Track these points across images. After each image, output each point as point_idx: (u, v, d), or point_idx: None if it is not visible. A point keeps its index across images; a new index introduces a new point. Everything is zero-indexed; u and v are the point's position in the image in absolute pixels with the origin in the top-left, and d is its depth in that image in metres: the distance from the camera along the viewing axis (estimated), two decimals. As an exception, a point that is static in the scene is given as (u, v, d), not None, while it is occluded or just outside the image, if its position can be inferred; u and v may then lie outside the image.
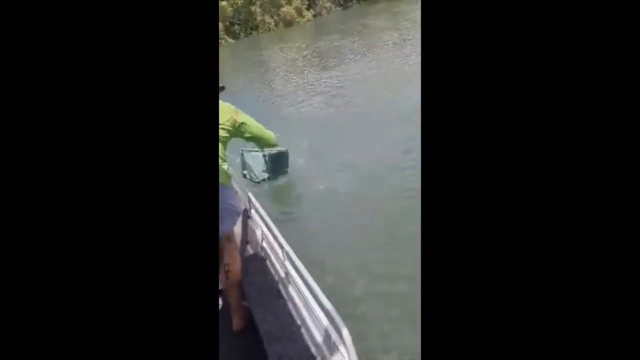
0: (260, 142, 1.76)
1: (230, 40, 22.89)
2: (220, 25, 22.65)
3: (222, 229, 1.46)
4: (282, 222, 2.91)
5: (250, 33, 23.83)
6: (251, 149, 2.81)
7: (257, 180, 3.16)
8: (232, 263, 1.49)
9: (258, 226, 1.81)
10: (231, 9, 22.96)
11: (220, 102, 1.49)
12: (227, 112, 1.55)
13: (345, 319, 1.02)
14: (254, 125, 1.68)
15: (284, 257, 1.44)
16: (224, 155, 1.54)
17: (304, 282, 1.25)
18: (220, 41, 22.38)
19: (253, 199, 1.81)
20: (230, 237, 1.54)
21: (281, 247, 1.41)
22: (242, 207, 1.79)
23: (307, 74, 9.41)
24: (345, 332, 0.98)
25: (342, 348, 1.06)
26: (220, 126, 1.48)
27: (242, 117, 1.62)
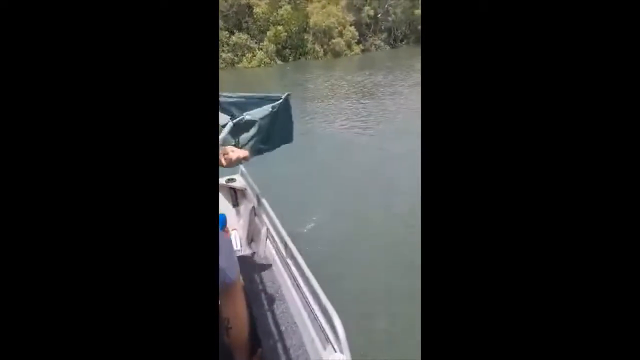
0: None
1: (279, 62, 24.12)
2: (273, 47, 24.02)
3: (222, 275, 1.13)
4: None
5: (299, 58, 25.01)
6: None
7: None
8: (236, 317, 1.17)
9: (264, 224, 1.86)
10: (285, 34, 24.32)
11: None
12: None
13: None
14: None
15: (287, 254, 1.50)
16: None
17: (304, 280, 1.29)
18: (270, 62, 23.66)
19: (261, 198, 1.86)
20: (233, 283, 1.18)
21: (285, 245, 1.48)
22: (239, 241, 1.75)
23: (335, 101, 9.96)
24: (338, 325, 1.00)
25: (335, 342, 1.07)
26: None
27: None
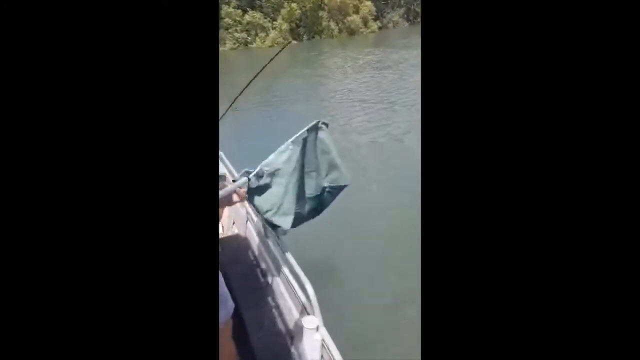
0: None
1: (293, 41, 23.85)
2: (287, 26, 23.75)
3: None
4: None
5: (314, 37, 24.63)
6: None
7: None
8: None
9: (244, 206, 1.92)
10: (299, 11, 23.93)
11: None
12: None
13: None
14: None
15: (265, 234, 1.60)
16: None
17: (281, 255, 1.37)
18: (283, 41, 23.42)
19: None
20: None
21: (263, 224, 1.55)
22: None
23: (342, 79, 10.20)
24: (310, 291, 1.09)
25: (308, 307, 1.16)
26: None
27: None
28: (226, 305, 0.99)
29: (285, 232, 1.16)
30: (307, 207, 1.16)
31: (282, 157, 1.07)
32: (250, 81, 1.21)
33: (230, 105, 1.49)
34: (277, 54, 1.25)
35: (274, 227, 1.14)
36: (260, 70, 1.24)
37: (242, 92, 1.30)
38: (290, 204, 1.10)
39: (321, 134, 1.12)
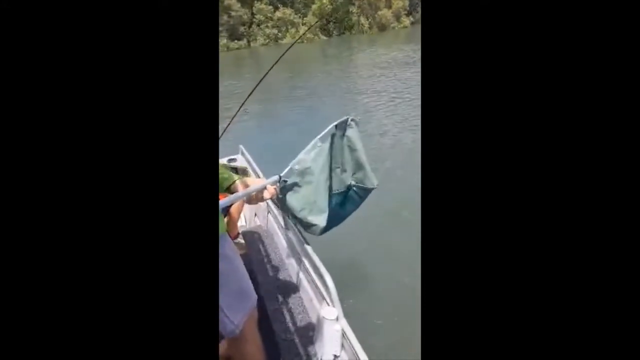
0: None
1: (323, 37, 23.85)
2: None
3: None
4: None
5: (344, 32, 24.49)
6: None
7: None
8: None
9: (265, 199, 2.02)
10: (331, 6, 23.85)
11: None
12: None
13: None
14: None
15: (285, 225, 1.65)
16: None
17: (300, 247, 1.42)
18: (313, 37, 23.48)
19: (261, 175, 1.95)
20: (242, 333, 0.95)
21: (283, 217, 1.65)
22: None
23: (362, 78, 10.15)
24: (330, 283, 1.12)
25: (328, 298, 1.18)
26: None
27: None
28: (250, 298, 0.99)
29: (319, 231, 1.11)
30: (333, 203, 1.15)
31: (311, 155, 1.07)
32: (258, 84, 1.32)
33: (241, 107, 1.58)
34: (279, 58, 1.33)
35: (308, 226, 1.11)
36: (266, 74, 1.32)
37: (250, 94, 1.39)
38: (323, 202, 1.10)
39: (349, 132, 1.10)
